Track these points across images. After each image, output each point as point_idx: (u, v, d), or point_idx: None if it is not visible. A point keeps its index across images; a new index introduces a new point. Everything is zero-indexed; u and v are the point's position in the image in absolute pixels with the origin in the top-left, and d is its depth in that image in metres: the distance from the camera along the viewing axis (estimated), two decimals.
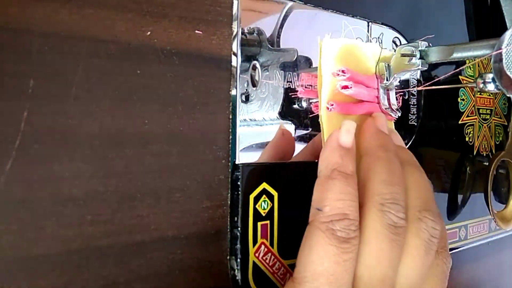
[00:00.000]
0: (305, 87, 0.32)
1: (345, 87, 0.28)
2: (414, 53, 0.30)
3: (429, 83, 0.34)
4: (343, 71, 0.28)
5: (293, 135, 0.32)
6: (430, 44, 0.31)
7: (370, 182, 0.26)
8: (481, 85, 0.29)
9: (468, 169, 0.48)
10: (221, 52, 0.27)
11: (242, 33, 0.28)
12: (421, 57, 0.30)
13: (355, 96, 0.29)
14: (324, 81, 0.28)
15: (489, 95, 0.51)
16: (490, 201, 0.47)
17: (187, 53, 0.25)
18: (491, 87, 0.29)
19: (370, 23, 0.36)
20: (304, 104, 0.32)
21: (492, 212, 0.47)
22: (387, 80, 0.31)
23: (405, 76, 0.34)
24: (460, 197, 0.48)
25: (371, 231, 0.25)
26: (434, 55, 0.30)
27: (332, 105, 0.28)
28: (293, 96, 0.31)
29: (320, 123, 0.28)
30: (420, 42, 0.30)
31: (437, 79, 0.32)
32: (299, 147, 0.32)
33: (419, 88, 0.41)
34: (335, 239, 0.23)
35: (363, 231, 0.25)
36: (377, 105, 0.31)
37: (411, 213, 0.26)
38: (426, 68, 0.31)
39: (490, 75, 0.29)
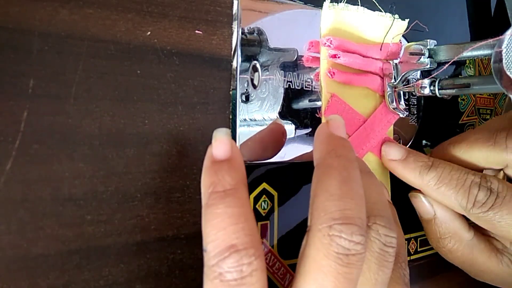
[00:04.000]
0: (312, 56, 0.31)
1: (334, 56, 0.28)
2: (423, 51, 0.30)
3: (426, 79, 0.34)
4: (330, 41, 0.28)
5: (287, 136, 0.30)
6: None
7: (318, 199, 0.21)
8: (421, 90, 0.30)
9: None
10: (221, 52, 0.27)
11: (242, 33, 0.28)
12: (429, 56, 0.30)
13: (348, 65, 0.29)
14: (323, 49, 0.28)
15: (489, 95, 0.51)
16: None
17: (187, 53, 0.25)
18: (426, 91, 0.30)
19: None
20: (305, 104, 0.32)
21: None
22: (394, 79, 0.31)
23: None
24: None
25: (311, 263, 0.20)
26: (443, 54, 0.30)
27: (334, 73, 0.28)
28: (300, 63, 0.31)
29: (320, 93, 0.28)
30: (429, 40, 0.30)
31: (437, 75, 0.32)
32: (299, 146, 0.32)
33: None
34: (226, 286, 0.18)
35: (305, 261, 0.20)
36: (378, 78, 0.31)
37: None
38: (435, 67, 0.31)
39: (426, 81, 0.30)
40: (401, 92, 0.32)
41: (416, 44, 0.30)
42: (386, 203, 0.24)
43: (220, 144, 0.21)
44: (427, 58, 0.30)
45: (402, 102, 0.32)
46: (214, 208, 0.19)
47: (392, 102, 0.31)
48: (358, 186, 0.21)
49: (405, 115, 0.32)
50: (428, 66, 0.30)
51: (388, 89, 0.31)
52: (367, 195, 0.22)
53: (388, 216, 0.23)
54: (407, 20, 0.31)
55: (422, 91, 0.31)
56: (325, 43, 0.28)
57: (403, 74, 0.31)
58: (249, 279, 0.18)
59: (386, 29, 0.30)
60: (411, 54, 0.30)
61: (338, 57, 0.28)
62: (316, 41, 0.30)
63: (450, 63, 0.29)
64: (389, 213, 0.23)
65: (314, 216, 0.20)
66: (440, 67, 0.30)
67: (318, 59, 0.30)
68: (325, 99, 0.29)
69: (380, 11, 0.30)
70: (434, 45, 0.30)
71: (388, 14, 0.31)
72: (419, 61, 0.30)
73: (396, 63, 0.31)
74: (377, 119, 0.31)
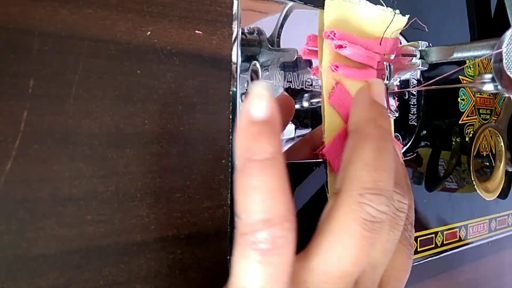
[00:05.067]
0: (309, 49, 0.31)
1: (340, 46, 0.28)
2: (414, 53, 0.30)
3: (428, 82, 0.34)
4: (333, 33, 0.28)
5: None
6: (431, 44, 0.31)
7: (352, 166, 0.22)
8: (480, 86, 0.29)
9: (468, 169, 0.48)
10: (221, 52, 0.27)
11: (242, 33, 0.28)
12: (421, 57, 0.30)
13: (352, 57, 0.29)
14: (326, 43, 0.28)
15: (489, 95, 0.51)
16: (473, 169, 0.47)
17: (187, 53, 0.25)
18: (489, 87, 0.29)
19: None
20: (305, 104, 0.32)
21: (476, 182, 0.47)
22: (387, 79, 0.31)
23: (405, 76, 0.34)
24: (461, 196, 0.48)
25: (339, 225, 0.21)
26: (434, 55, 0.30)
27: (337, 66, 0.28)
28: (297, 56, 0.31)
29: (320, 88, 0.29)
30: (420, 42, 0.30)
31: (437, 78, 0.32)
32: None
33: (419, 88, 0.41)
34: (258, 253, 0.19)
35: (330, 222, 0.21)
36: (375, 71, 0.31)
37: None
38: (426, 68, 0.31)
39: (489, 75, 0.29)
40: (394, 92, 0.32)
41: (408, 45, 0.31)
42: (402, 169, 0.25)
43: (260, 102, 0.19)
44: (419, 59, 0.30)
45: (393, 102, 0.32)
46: (251, 179, 0.19)
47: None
48: (392, 159, 0.22)
49: (395, 116, 0.32)
50: (420, 67, 0.30)
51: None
52: None
53: (403, 183, 0.24)
54: (407, 16, 0.31)
55: (481, 88, 0.29)
56: (329, 35, 0.28)
57: (395, 75, 0.31)
58: (281, 250, 0.19)
59: (386, 23, 0.30)
60: (403, 55, 0.30)
61: (345, 47, 0.28)
62: (314, 35, 0.30)
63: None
64: (403, 180, 0.24)
65: (346, 181, 0.21)
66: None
67: (316, 52, 0.30)
68: (330, 85, 0.28)
69: (382, 5, 0.30)
70: (426, 47, 0.30)
71: (390, 9, 0.31)
72: (410, 62, 0.30)
73: (389, 64, 0.31)
74: None
